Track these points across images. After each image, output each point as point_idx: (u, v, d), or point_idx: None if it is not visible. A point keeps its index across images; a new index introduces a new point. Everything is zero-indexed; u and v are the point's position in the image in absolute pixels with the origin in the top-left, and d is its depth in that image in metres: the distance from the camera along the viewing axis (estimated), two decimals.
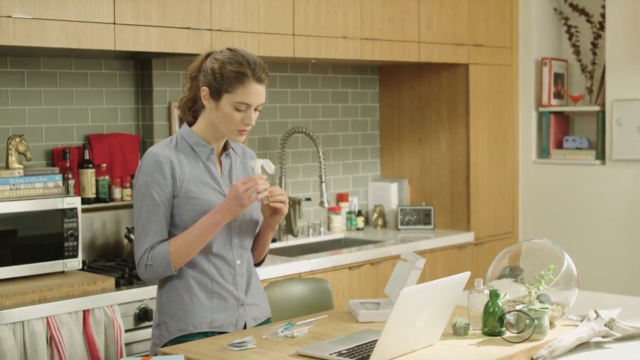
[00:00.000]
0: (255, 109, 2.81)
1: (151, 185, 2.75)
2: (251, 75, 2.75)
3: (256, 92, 2.77)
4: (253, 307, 2.92)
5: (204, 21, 3.95)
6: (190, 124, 2.88)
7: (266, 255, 3.05)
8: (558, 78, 5.65)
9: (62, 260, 3.63)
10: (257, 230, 2.97)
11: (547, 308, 2.79)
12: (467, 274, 2.71)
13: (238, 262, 2.88)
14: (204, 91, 2.78)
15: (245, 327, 2.90)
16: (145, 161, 2.79)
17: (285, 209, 2.84)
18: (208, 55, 2.84)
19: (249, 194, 2.70)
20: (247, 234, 2.91)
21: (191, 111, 2.88)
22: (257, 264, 3.04)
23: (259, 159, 2.83)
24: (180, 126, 2.92)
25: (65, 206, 3.64)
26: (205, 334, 2.81)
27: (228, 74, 2.74)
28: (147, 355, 3.21)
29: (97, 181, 4.10)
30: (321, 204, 4.79)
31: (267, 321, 3.01)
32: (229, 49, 2.82)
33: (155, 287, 2.98)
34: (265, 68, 2.80)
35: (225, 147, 2.92)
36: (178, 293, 2.82)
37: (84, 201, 3.98)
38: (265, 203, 2.81)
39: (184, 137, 2.85)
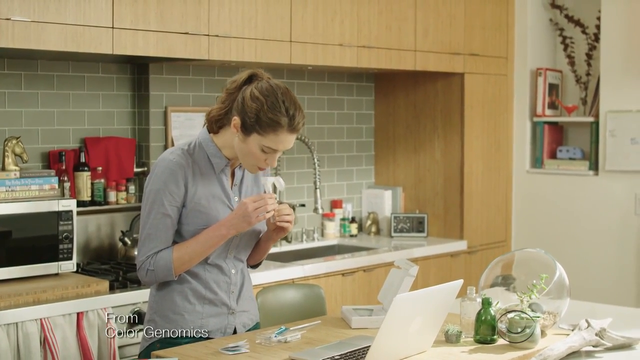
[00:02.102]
0: None
1: (164, 193, 2.74)
2: (286, 126, 2.70)
3: (287, 141, 2.74)
4: (243, 313, 2.94)
5: (202, 26, 3.97)
6: (210, 131, 2.85)
7: (262, 260, 3.08)
8: (552, 88, 5.68)
9: (56, 263, 3.64)
10: (255, 242, 2.99)
11: (538, 317, 2.81)
12: (460, 281, 2.72)
13: (233, 271, 2.90)
14: (235, 121, 2.73)
15: (235, 333, 2.91)
16: (160, 167, 2.76)
17: (290, 227, 2.85)
18: (251, 77, 2.78)
19: (257, 213, 2.71)
20: (244, 249, 2.93)
21: (216, 124, 2.83)
22: (253, 267, 3.07)
23: (270, 177, 2.83)
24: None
25: (61, 209, 3.65)
26: (193, 338, 2.82)
27: (265, 119, 2.69)
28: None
29: (92, 184, 4.11)
30: (315, 210, 4.80)
31: (256, 326, 3.03)
32: (272, 86, 2.75)
33: (149, 289, 2.98)
34: (303, 116, 2.75)
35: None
36: (171, 295, 2.83)
37: (79, 204, 3.98)
38: (272, 222, 2.83)
39: (202, 144, 2.82)
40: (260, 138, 2.71)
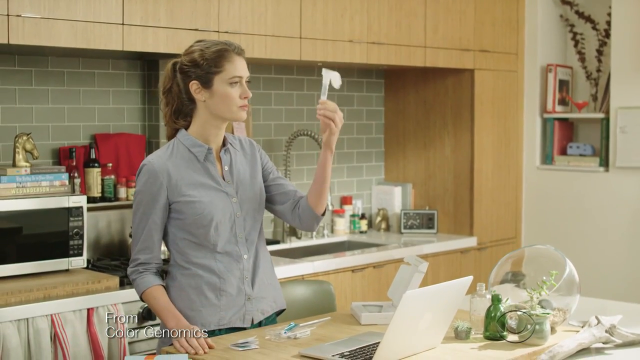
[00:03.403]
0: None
1: (144, 194, 2.82)
2: (232, 50, 2.83)
3: (242, 65, 2.85)
4: (260, 300, 2.93)
5: (212, 23, 3.97)
6: (184, 128, 2.92)
7: (327, 205, 2.98)
8: (563, 85, 5.66)
9: (67, 259, 3.65)
10: (261, 224, 2.99)
11: (548, 313, 2.81)
12: (470, 278, 2.72)
13: (245, 256, 2.90)
14: (194, 85, 2.82)
15: (253, 322, 2.91)
16: (141, 171, 2.84)
17: (332, 127, 2.81)
18: (174, 63, 2.89)
19: (182, 342, 2.68)
20: (252, 228, 2.93)
21: (180, 119, 2.90)
22: (323, 214, 2.99)
23: (331, 71, 2.86)
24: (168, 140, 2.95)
25: (71, 205, 3.66)
26: (212, 332, 2.83)
27: (211, 55, 2.81)
28: (151, 354, 3.23)
29: (102, 180, 4.12)
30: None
31: (274, 316, 3.02)
32: (196, 41, 2.90)
33: None
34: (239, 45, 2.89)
35: (223, 144, 2.94)
36: (186, 292, 2.84)
37: (90, 200, 3.99)
38: (317, 116, 2.83)
39: (181, 140, 2.88)
40: (221, 75, 2.81)
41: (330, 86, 2.89)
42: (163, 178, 2.81)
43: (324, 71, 2.87)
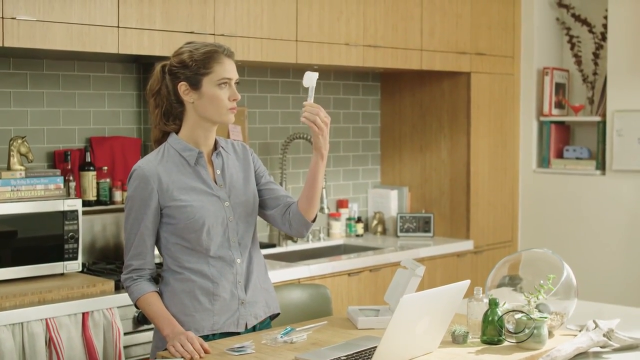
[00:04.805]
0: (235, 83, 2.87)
1: (136, 199, 2.81)
2: (221, 52, 2.83)
3: (231, 68, 2.84)
4: (253, 304, 2.92)
5: (208, 26, 3.96)
6: (174, 132, 2.91)
7: (318, 210, 2.97)
8: (559, 88, 5.66)
9: (62, 263, 3.63)
10: (254, 228, 2.97)
11: (546, 317, 2.80)
12: (467, 282, 2.71)
13: (238, 260, 2.89)
14: (183, 86, 2.81)
15: (247, 326, 2.90)
16: (132, 176, 2.83)
17: (315, 129, 2.79)
18: (163, 65, 2.89)
19: (177, 348, 2.67)
20: (245, 232, 2.92)
21: (170, 121, 2.89)
22: (313, 220, 2.98)
23: (312, 73, 2.85)
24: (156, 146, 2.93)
25: (66, 208, 3.65)
26: (206, 337, 2.81)
27: (200, 57, 2.80)
28: (146, 359, 3.22)
29: (98, 184, 4.11)
30: (321, 210, 4.79)
31: (269, 320, 3.01)
32: (186, 43, 2.89)
33: None
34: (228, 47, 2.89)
35: (215, 147, 2.93)
36: (179, 297, 2.82)
37: (85, 204, 3.98)
38: (300, 119, 2.82)
39: (171, 144, 2.87)
40: (210, 76, 2.80)
41: (306, 87, 2.88)
42: (154, 183, 2.79)
43: (306, 74, 2.85)
